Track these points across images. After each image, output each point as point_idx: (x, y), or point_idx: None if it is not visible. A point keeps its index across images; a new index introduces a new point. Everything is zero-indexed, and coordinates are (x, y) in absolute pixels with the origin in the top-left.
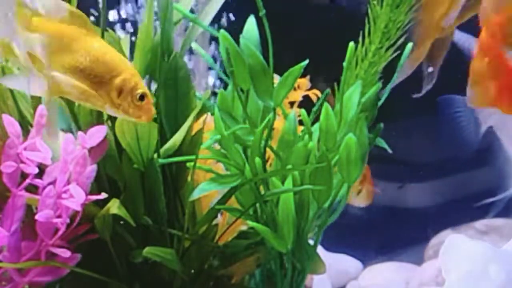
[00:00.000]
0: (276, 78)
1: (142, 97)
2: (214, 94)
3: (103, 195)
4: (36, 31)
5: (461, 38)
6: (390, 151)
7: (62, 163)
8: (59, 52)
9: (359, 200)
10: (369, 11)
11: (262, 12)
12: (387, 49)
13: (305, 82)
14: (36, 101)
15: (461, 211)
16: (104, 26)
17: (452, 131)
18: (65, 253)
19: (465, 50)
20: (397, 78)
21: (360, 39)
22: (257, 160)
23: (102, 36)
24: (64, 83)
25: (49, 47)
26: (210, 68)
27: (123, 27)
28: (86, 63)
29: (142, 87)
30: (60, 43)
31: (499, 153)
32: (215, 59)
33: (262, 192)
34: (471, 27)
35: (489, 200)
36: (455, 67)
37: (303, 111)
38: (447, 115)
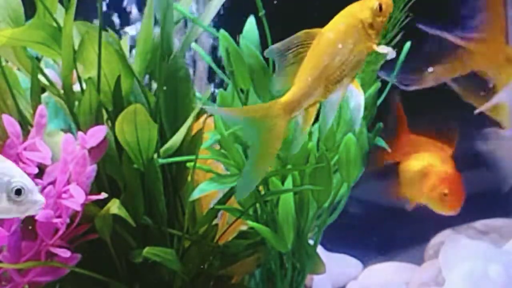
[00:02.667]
0: None
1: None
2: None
3: (103, 195)
4: None
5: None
6: (389, 150)
7: (62, 163)
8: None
9: (436, 208)
10: None
11: (262, 12)
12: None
13: None
14: (36, 101)
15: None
16: (101, 25)
17: None
18: (65, 253)
19: None
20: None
21: None
22: None
23: (100, 36)
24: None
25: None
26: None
27: None
28: None
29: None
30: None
31: None
32: None
33: (262, 192)
34: None
35: None
36: None
37: None
38: None
